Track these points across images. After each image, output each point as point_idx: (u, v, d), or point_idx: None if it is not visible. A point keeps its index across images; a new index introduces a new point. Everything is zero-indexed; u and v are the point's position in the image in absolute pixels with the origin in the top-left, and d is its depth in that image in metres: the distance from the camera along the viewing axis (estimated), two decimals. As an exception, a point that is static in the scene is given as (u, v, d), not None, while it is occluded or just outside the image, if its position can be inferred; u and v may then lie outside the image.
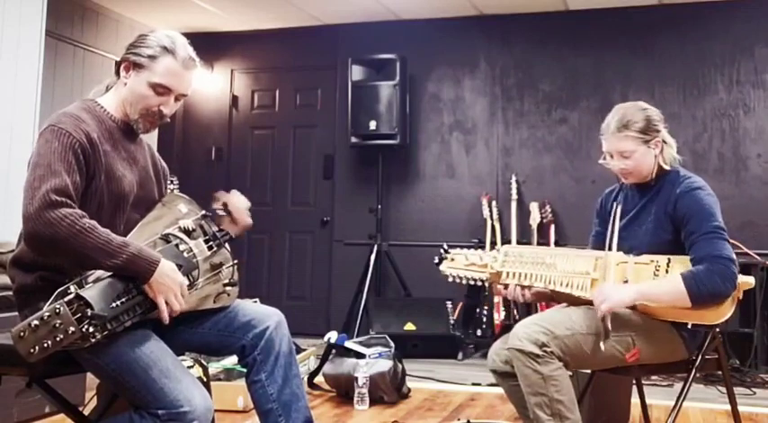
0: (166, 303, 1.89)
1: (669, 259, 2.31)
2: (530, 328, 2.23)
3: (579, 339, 2.24)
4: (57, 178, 1.83)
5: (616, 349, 2.29)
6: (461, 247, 5.66)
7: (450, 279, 2.50)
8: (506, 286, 2.40)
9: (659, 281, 2.28)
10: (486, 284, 2.49)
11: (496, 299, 5.21)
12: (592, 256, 2.37)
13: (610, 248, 2.35)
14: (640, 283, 2.29)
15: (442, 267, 2.51)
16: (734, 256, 2.24)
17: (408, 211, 5.94)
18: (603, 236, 2.46)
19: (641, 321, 2.31)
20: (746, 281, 2.30)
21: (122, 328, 1.83)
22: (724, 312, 2.24)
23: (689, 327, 2.33)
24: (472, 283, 2.48)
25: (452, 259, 2.50)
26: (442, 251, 2.54)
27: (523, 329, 2.24)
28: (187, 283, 1.94)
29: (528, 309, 5.00)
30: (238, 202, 2.26)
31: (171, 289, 1.88)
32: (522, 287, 2.39)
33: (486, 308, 5.33)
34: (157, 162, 2.26)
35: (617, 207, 2.48)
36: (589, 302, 2.28)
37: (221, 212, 2.24)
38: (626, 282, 2.30)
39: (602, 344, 2.15)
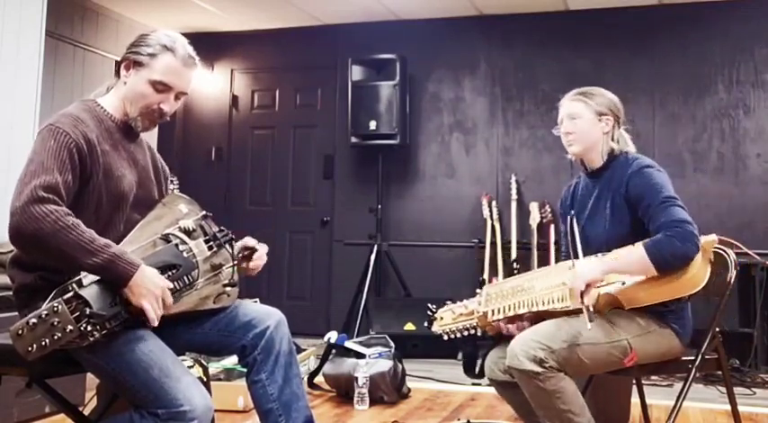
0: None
1: (634, 246, 2.31)
2: (527, 345, 2.23)
3: (576, 350, 2.24)
4: (47, 175, 1.84)
5: (614, 355, 2.29)
6: (461, 247, 5.66)
7: (446, 337, 2.56)
8: (506, 322, 2.41)
9: (624, 254, 2.28)
10: (479, 331, 2.50)
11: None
12: (564, 267, 2.38)
13: (576, 256, 2.35)
14: (606, 257, 2.31)
15: (434, 329, 2.57)
16: (689, 219, 2.25)
17: (408, 211, 5.94)
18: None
19: (632, 324, 2.32)
20: (709, 239, 2.30)
21: (120, 327, 1.83)
22: (699, 277, 2.24)
23: (676, 306, 2.34)
24: (466, 333, 2.51)
25: (441, 318, 2.56)
26: (429, 314, 2.59)
27: (521, 347, 2.23)
28: (171, 286, 1.92)
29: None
30: (262, 256, 2.25)
31: (152, 293, 1.85)
32: (512, 319, 2.39)
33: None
34: (158, 163, 2.26)
35: (573, 216, 2.50)
36: (574, 312, 2.27)
37: (242, 254, 2.22)
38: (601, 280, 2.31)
39: (588, 324, 2.14)
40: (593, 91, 2.55)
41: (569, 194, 2.66)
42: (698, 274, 2.24)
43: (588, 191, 2.55)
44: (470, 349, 5.15)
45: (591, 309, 2.16)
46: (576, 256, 2.36)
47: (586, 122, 2.49)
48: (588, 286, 2.20)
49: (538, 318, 2.39)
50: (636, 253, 2.24)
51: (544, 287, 2.35)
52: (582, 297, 2.18)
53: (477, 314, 2.45)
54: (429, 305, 2.60)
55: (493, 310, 2.40)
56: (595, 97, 2.52)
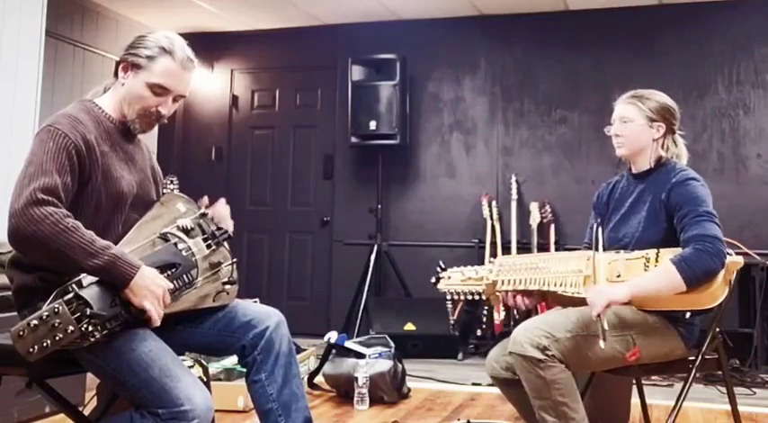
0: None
1: (658, 251, 2.32)
2: (531, 332, 2.23)
3: (580, 341, 2.24)
4: (46, 177, 1.83)
5: (616, 349, 2.29)
6: (461, 247, 5.66)
7: (449, 297, 2.56)
8: (507, 294, 2.41)
9: (652, 272, 2.28)
10: (484, 297, 2.51)
11: (497, 299, 5.21)
12: (583, 256, 2.38)
13: (597, 249, 2.35)
14: (634, 278, 2.28)
15: (440, 286, 2.57)
16: (721, 236, 2.27)
17: (408, 211, 5.94)
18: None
19: (639, 320, 2.32)
20: (735, 260, 2.32)
21: (121, 327, 1.83)
22: (717, 295, 2.25)
23: (687, 317, 2.35)
24: (470, 297, 2.51)
25: (449, 277, 2.56)
26: (438, 269, 2.58)
27: (525, 333, 2.24)
28: (172, 287, 1.92)
29: (527, 311, 5.01)
30: (222, 211, 2.24)
31: (153, 293, 1.85)
32: (519, 293, 2.40)
33: (485, 308, 5.34)
34: (154, 165, 2.26)
35: (599, 224, 2.49)
36: (583, 301, 2.27)
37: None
38: (618, 276, 2.31)
39: (601, 343, 2.14)
40: (648, 95, 2.55)
41: (607, 192, 2.66)
42: (716, 291, 2.25)
43: (629, 190, 2.56)
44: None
45: (606, 328, 2.15)
46: (597, 249, 2.34)
47: (637, 127, 2.50)
48: (609, 305, 2.19)
49: (545, 296, 2.38)
50: (665, 270, 2.23)
51: (559, 270, 2.36)
52: (600, 315, 2.16)
53: (486, 281, 2.45)
54: (440, 262, 2.59)
55: (503, 281, 2.41)
56: (649, 102, 2.52)
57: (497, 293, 2.44)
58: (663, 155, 2.51)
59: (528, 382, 2.25)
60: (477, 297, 2.50)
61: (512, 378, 2.39)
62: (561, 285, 2.32)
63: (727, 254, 2.29)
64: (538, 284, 2.36)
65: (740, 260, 2.34)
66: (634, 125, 2.50)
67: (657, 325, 2.34)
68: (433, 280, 2.58)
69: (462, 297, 2.52)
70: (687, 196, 2.36)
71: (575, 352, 2.24)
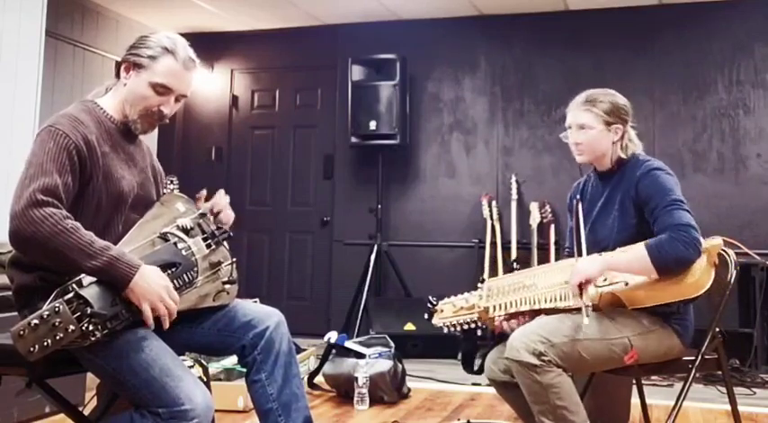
0: (154, 309, 1.87)
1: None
2: (527, 338, 2.23)
3: (576, 346, 2.24)
4: (46, 178, 1.83)
5: (614, 352, 2.29)
6: (461, 247, 5.64)
7: (446, 330, 2.55)
8: (507, 318, 2.41)
9: (625, 252, 2.30)
10: (479, 324, 2.50)
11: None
12: (567, 266, 2.38)
13: (580, 254, 2.36)
14: (607, 254, 2.32)
15: (434, 321, 2.57)
16: (694, 223, 2.26)
17: (408, 211, 5.94)
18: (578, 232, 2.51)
19: (634, 322, 2.32)
20: (713, 242, 2.31)
21: (121, 326, 1.83)
22: (703, 282, 2.25)
23: (678, 310, 2.35)
24: (466, 327, 2.51)
25: (441, 311, 2.56)
26: (429, 305, 2.57)
27: (521, 339, 2.24)
28: (172, 286, 1.92)
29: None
30: (221, 202, 2.24)
31: (155, 293, 1.84)
32: (512, 315, 2.39)
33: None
34: (155, 164, 2.26)
35: (579, 207, 2.49)
36: (576, 311, 2.27)
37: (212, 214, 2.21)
38: (605, 279, 2.32)
39: (585, 319, 2.14)
40: (600, 97, 2.53)
41: (578, 191, 2.67)
42: (702, 277, 2.24)
43: (598, 191, 2.56)
44: (469, 344, 5.12)
45: (589, 305, 2.16)
46: (579, 244, 2.36)
47: (596, 134, 2.49)
48: (586, 282, 2.21)
49: (538, 314, 2.39)
50: (637, 252, 2.25)
51: (547, 285, 2.36)
52: (580, 293, 2.18)
53: (478, 309, 2.45)
54: (429, 297, 2.59)
55: (494, 306, 2.41)
56: (603, 105, 2.50)
57: (492, 319, 2.43)
58: (622, 155, 2.51)
59: (525, 386, 2.25)
60: (473, 325, 2.49)
61: (509, 381, 2.39)
62: (552, 301, 2.32)
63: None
64: (529, 304, 2.35)
65: (719, 241, 2.33)
66: (594, 132, 2.49)
67: (652, 325, 2.34)
68: (426, 316, 2.58)
69: (459, 328, 2.51)
70: (654, 187, 2.36)
71: (572, 355, 2.24)
